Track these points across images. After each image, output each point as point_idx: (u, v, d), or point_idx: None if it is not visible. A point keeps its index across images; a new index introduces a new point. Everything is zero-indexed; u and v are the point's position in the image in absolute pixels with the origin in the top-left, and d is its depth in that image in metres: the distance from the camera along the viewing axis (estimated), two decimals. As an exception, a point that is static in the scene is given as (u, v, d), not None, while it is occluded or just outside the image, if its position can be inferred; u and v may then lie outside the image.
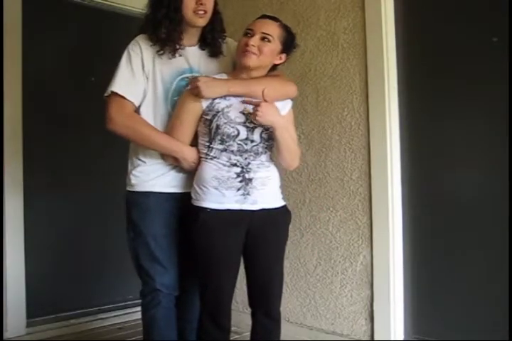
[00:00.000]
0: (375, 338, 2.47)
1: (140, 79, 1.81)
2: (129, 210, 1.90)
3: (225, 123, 1.76)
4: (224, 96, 1.78)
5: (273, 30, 1.79)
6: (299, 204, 2.72)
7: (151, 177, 1.86)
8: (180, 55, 1.85)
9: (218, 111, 1.77)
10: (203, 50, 1.91)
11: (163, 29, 1.79)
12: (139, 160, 1.87)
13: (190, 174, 1.86)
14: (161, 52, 1.81)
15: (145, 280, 1.91)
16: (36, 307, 2.81)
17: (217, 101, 1.78)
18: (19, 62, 2.75)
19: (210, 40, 1.90)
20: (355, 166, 2.54)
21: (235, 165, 1.77)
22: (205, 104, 1.78)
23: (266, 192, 1.81)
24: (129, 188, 1.90)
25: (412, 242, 2.44)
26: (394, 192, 2.42)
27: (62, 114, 2.98)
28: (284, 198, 1.91)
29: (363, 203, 2.51)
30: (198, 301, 1.87)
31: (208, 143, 1.79)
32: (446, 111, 2.34)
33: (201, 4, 1.79)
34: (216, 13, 1.90)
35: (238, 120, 1.77)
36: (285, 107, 1.87)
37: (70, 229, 3.00)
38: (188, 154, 1.82)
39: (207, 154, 1.80)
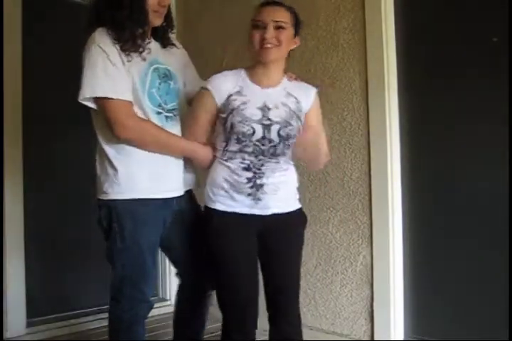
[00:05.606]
0: (375, 338, 2.47)
1: (125, 74, 1.69)
2: (120, 219, 1.71)
3: (240, 121, 1.68)
4: (240, 92, 1.72)
5: (284, 16, 1.69)
6: (299, 204, 2.72)
7: (145, 181, 1.72)
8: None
9: (233, 109, 1.69)
10: (156, 42, 1.86)
11: (128, 31, 1.69)
12: (125, 161, 1.71)
13: (186, 173, 1.83)
14: (125, 51, 1.70)
15: (128, 293, 1.76)
16: (36, 307, 2.81)
17: (233, 97, 1.70)
18: (19, 62, 2.74)
19: (162, 34, 1.86)
20: (355, 166, 2.54)
21: (247, 168, 1.70)
22: (219, 100, 1.71)
23: (279, 197, 1.74)
24: (117, 196, 1.71)
25: (412, 242, 2.44)
26: (394, 192, 2.42)
27: (63, 114, 2.97)
28: (300, 200, 1.86)
29: (363, 203, 2.51)
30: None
31: (224, 143, 1.73)
32: (446, 111, 2.34)
33: (163, 6, 1.76)
34: (168, 10, 1.85)
35: (254, 118, 1.69)
36: (308, 97, 1.81)
37: (70, 228, 3.00)
38: (202, 154, 1.79)
39: (222, 154, 1.74)
